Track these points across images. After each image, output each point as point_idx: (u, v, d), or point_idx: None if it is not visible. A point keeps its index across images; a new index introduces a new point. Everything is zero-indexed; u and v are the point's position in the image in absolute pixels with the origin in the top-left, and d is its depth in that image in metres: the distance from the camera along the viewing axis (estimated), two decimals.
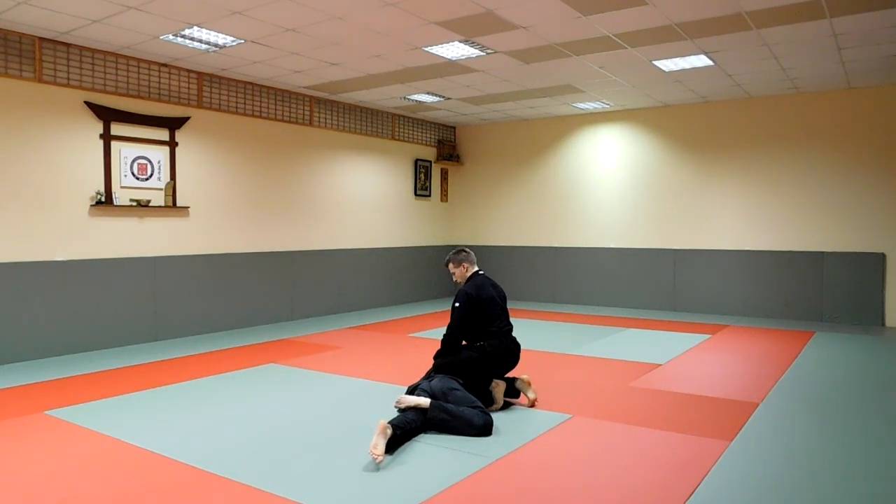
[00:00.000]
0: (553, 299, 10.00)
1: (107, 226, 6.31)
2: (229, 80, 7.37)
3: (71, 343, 6.03)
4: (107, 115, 6.25)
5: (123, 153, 6.40)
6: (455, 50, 6.21)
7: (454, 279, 4.57)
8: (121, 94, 6.38)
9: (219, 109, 7.29)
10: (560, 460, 3.33)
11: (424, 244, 10.45)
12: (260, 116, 7.75)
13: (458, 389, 3.91)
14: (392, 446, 3.40)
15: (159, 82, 6.71)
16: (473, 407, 3.78)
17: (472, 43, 6.00)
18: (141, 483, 3.03)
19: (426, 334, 7.19)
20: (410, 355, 6.06)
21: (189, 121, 6.96)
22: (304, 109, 8.32)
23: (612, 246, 9.55)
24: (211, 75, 7.17)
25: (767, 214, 8.44)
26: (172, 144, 6.81)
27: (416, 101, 8.70)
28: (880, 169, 7.72)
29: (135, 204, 6.44)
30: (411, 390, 4.02)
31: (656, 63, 6.69)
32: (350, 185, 9.08)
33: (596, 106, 9.05)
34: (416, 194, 10.27)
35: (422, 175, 10.36)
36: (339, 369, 5.44)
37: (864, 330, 7.45)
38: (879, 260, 7.72)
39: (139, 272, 6.55)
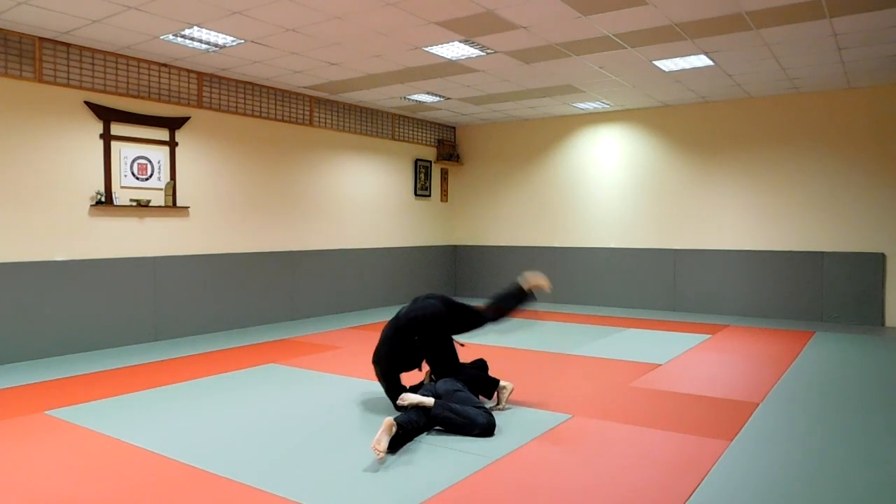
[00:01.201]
0: (553, 299, 10.00)
1: (107, 226, 6.31)
2: (229, 80, 7.37)
3: (71, 343, 6.03)
4: (107, 115, 6.25)
5: (123, 153, 6.40)
6: (455, 50, 6.21)
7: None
8: (121, 94, 6.38)
9: (219, 109, 7.29)
10: (560, 460, 3.33)
11: (424, 244, 10.45)
12: (260, 116, 7.75)
13: (461, 390, 3.92)
14: (395, 445, 3.40)
15: (159, 82, 6.71)
16: (477, 407, 3.79)
17: (472, 43, 6.00)
18: (141, 483, 3.03)
19: None
20: None
21: (189, 121, 6.96)
22: (304, 109, 8.32)
23: (612, 246, 9.55)
24: (211, 75, 7.17)
25: (767, 214, 8.44)
26: (172, 144, 6.81)
27: (416, 101, 8.69)
28: (880, 169, 7.72)
29: (135, 204, 6.44)
30: (413, 390, 4.02)
31: (656, 63, 6.69)
32: (350, 185, 9.07)
33: (596, 106, 9.05)
34: (416, 194, 10.27)
35: (422, 175, 10.36)
36: (339, 369, 5.44)
37: (864, 330, 7.45)
38: (879, 260, 7.72)
39: (139, 272, 6.55)
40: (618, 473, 3.16)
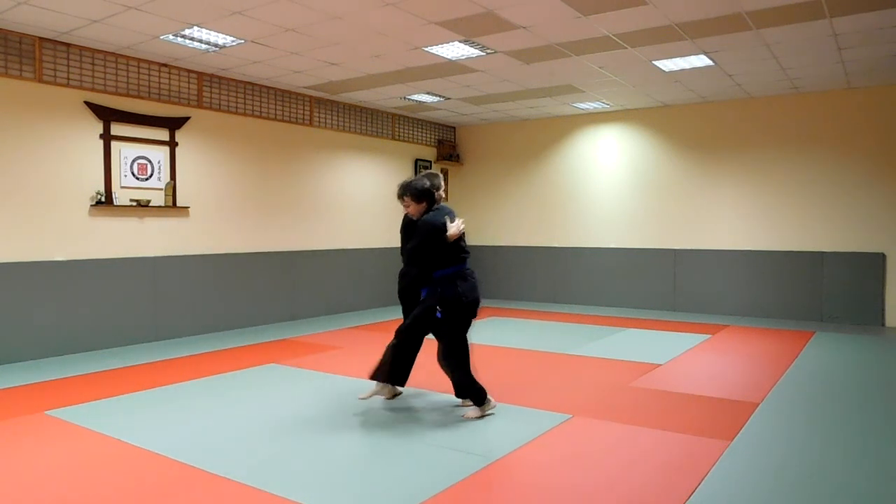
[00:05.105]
0: (553, 299, 10.00)
1: (107, 226, 6.31)
2: (229, 80, 7.37)
3: (71, 343, 6.02)
4: (107, 115, 6.24)
5: (123, 153, 6.40)
6: (455, 50, 6.21)
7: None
8: (121, 94, 6.37)
9: (219, 109, 7.29)
10: (560, 460, 3.33)
11: None
12: (260, 116, 7.75)
13: None
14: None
15: (159, 82, 6.71)
16: None
17: (472, 43, 5.99)
18: (141, 483, 3.03)
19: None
20: None
21: (189, 121, 6.96)
22: (304, 109, 8.32)
23: (612, 246, 9.55)
24: (211, 75, 7.16)
25: (767, 214, 8.44)
26: (172, 144, 6.81)
27: (416, 101, 8.69)
28: (880, 169, 7.72)
29: (135, 204, 6.44)
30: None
31: (656, 63, 6.69)
32: (350, 185, 9.07)
33: (596, 106, 9.05)
34: None
35: None
36: (339, 369, 5.44)
37: (864, 330, 7.45)
38: (879, 260, 7.72)
39: (139, 272, 6.55)
40: (618, 473, 3.16)
